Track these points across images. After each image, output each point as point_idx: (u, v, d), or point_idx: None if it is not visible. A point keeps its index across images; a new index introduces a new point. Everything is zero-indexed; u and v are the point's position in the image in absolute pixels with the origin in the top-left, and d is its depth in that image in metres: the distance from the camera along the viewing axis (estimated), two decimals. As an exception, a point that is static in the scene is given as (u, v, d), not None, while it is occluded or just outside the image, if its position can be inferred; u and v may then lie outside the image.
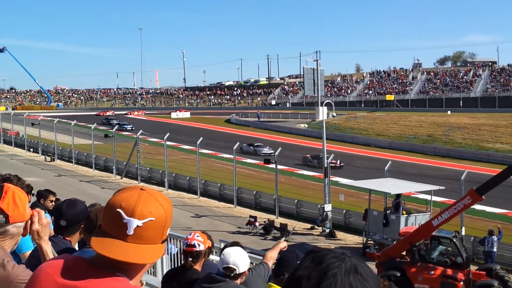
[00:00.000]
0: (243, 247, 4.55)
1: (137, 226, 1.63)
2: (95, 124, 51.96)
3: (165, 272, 7.13)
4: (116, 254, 1.61)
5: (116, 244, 1.62)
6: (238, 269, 4.08)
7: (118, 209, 1.64)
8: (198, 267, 4.79)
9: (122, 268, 1.64)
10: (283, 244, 5.28)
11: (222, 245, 6.95)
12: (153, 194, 1.71)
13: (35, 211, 2.67)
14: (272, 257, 5.12)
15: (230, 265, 4.08)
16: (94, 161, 43.38)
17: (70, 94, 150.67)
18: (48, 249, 2.79)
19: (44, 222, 2.72)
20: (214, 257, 7.54)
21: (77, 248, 3.91)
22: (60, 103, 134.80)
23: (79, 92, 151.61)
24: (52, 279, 1.64)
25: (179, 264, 6.64)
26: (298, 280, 1.32)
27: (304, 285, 1.30)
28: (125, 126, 72.66)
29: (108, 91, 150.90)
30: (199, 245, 4.73)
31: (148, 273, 4.05)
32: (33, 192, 7.81)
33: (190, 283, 4.44)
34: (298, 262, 1.50)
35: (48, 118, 61.72)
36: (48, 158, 47.46)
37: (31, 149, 53.09)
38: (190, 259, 4.78)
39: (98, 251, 1.62)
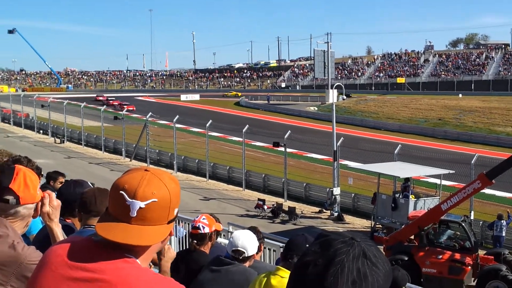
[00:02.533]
0: (259, 232, 4.51)
1: (140, 207, 1.63)
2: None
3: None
4: (118, 237, 1.62)
5: (119, 227, 1.63)
6: (247, 252, 4.10)
7: (121, 191, 1.64)
8: (206, 249, 4.81)
9: (129, 249, 1.64)
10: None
11: (231, 228, 6.99)
12: (158, 174, 1.69)
13: (46, 193, 2.68)
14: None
15: (239, 248, 4.09)
16: (103, 143, 43.56)
17: (80, 76, 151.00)
18: (58, 231, 2.80)
19: (55, 204, 2.73)
20: (222, 240, 7.57)
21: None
22: (70, 85, 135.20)
23: (89, 74, 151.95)
24: (62, 260, 1.64)
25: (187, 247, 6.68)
26: (305, 266, 1.31)
27: (310, 271, 1.29)
28: None
29: (118, 73, 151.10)
30: (203, 228, 4.75)
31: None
32: (42, 173, 7.87)
33: (198, 266, 4.46)
34: (307, 245, 1.49)
35: (58, 100, 61.89)
36: (58, 140, 47.74)
37: (41, 131, 53.43)
38: (195, 241, 4.81)
39: (101, 234, 1.63)
